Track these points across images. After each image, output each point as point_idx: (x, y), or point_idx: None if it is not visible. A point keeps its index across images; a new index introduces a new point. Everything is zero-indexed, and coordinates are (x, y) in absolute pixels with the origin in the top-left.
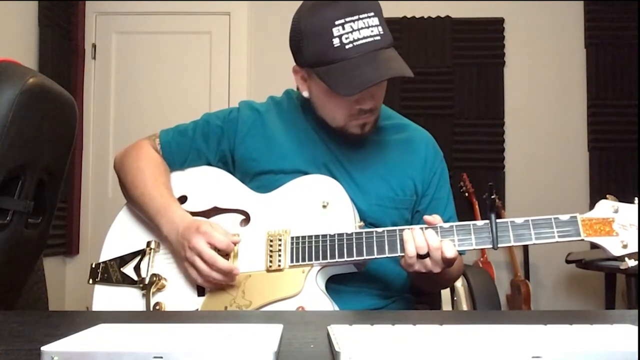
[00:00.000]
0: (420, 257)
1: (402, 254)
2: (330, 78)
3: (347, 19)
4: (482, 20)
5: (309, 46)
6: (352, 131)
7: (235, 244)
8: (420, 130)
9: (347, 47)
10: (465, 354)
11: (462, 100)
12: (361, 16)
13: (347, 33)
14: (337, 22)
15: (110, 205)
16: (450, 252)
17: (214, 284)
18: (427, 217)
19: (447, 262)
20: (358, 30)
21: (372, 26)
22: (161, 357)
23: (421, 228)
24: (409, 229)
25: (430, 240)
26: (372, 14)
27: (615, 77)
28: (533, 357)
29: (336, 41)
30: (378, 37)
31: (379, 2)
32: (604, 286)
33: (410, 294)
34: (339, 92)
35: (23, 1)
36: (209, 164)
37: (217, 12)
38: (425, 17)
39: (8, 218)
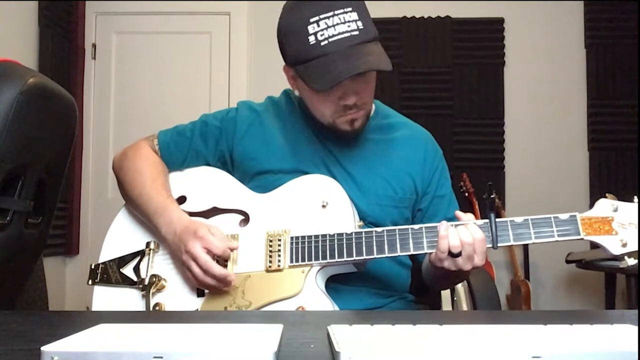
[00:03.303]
0: (452, 255)
1: (402, 254)
2: (307, 75)
3: (322, 16)
4: (482, 20)
5: (288, 45)
6: (342, 127)
7: (232, 249)
8: (419, 128)
9: (322, 44)
10: (465, 354)
11: (462, 100)
12: (336, 12)
13: (322, 30)
14: (311, 20)
15: (110, 205)
16: (480, 235)
17: (210, 288)
18: (459, 213)
19: (480, 254)
20: (333, 27)
21: (349, 21)
22: (161, 357)
23: (452, 225)
24: (445, 225)
25: (462, 235)
26: (349, 9)
27: (615, 77)
28: (533, 357)
29: (312, 38)
30: (356, 32)
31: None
32: (604, 286)
33: (410, 293)
34: (314, 88)
35: (23, 1)
36: (208, 165)
37: (217, 12)
38: (425, 17)
39: (8, 218)
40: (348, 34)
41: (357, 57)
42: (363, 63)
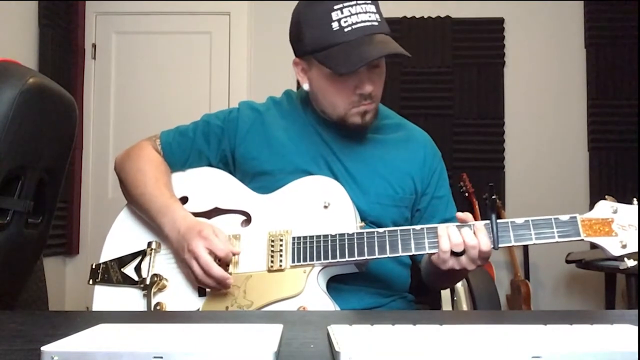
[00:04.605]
0: (454, 254)
1: (404, 254)
2: (331, 60)
3: (345, 4)
4: (482, 20)
5: (309, 34)
6: (352, 120)
7: (234, 254)
8: (418, 129)
9: (345, 30)
10: (465, 354)
11: (462, 100)
12: (359, 2)
13: (346, 17)
14: (335, 7)
15: (110, 205)
16: (486, 247)
17: (209, 287)
18: (460, 215)
19: (484, 258)
20: (356, 15)
21: (369, 12)
22: (161, 357)
23: (456, 226)
24: (443, 226)
25: (467, 237)
26: (369, 1)
27: (615, 77)
28: (533, 357)
29: (335, 25)
30: (376, 23)
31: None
32: (604, 286)
33: (411, 293)
34: (340, 71)
35: (23, 1)
36: (210, 165)
37: (217, 12)
38: (425, 17)
39: (8, 218)
40: (369, 23)
41: (380, 43)
42: (387, 48)
